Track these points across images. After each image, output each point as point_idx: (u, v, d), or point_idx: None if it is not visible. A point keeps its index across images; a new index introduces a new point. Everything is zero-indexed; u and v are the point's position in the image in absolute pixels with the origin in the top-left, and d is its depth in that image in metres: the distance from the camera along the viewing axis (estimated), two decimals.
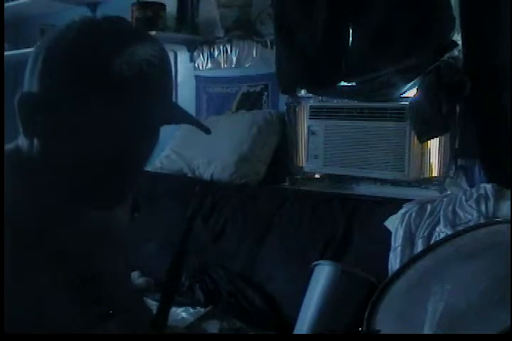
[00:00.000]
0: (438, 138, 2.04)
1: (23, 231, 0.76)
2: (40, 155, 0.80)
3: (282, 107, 2.57)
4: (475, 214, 1.67)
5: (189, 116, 0.84)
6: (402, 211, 1.82)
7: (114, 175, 0.81)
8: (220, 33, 2.79)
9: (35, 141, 0.80)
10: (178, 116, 0.82)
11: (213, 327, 1.85)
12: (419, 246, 1.68)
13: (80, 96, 0.75)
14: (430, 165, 2.12)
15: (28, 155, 0.81)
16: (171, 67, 0.82)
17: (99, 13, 3.19)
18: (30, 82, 0.80)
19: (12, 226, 0.75)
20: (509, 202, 1.66)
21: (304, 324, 1.59)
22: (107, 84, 0.74)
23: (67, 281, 0.82)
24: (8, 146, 0.85)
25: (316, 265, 1.73)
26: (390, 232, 1.80)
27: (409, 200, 1.88)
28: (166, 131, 0.87)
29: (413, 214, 1.78)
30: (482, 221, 1.60)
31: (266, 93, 2.67)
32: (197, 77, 2.96)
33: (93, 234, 0.88)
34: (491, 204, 1.69)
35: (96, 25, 0.79)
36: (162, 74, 0.79)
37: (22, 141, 0.83)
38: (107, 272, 0.92)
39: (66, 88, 0.76)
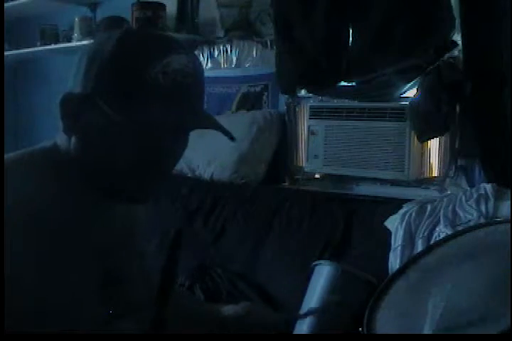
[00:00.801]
0: (438, 138, 2.04)
1: (55, 226, 0.80)
2: (77, 152, 0.85)
3: (282, 107, 2.57)
4: (475, 214, 1.66)
5: (216, 123, 0.89)
6: (402, 211, 1.82)
7: (144, 173, 0.86)
8: (220, 33, 2.79)
9: (73, 139, 0.85)
10: (206, 121, 0.88)
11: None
12: (419, 246, 1.68)
13: (119, 99, 0.81)
14: (430, 165, 2.12)
15: (65, 152, 0.86)
16: (203, 76, 0.88)
17: (99, 13, 3.18)
18: (73, 84, 0.85)
19: (45, 221, 0.79)
20: (509, 202, 1.65)
21: (303, 324, 1.58)
22: (143, 91, 0.80)
23: (91, 277, 0.84)
24: (47, 143, 0.90)
25: (316, 265, 1.73)
26: (390, 232, 1.80)
27: (409, 200, 1.88)
28: None
29: (413, 214, 1.77)
30: (482, 221, 1.60)
31: (266, 93, 2.67)
32: None
33: (116, 232, 0.92)
34: (491, 204, 1.69)
35: (136, 36, 0.86)
36: (195, 83, 0.84)
37: (60, 139, 0.88)
38: (129, 270, 0.95)
39: (106, 91, 0.81)
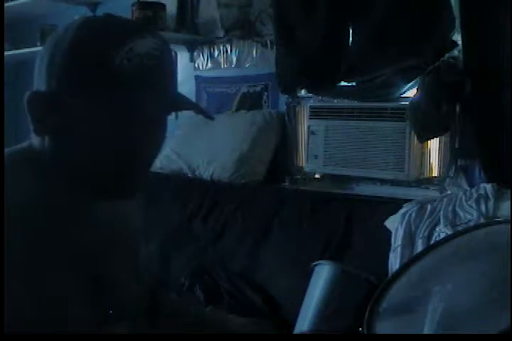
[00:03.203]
0: (438, 138, 2.04)
1: (34, 227, 0.77)
2: (52, 151, 0.82)
3: (282, 107, 2.57)
4: (475, 214, 1.66)
5: (192, 103, 0.86)
6: (402, 211, 1.82)
7: (124, 166, 0.82)
8: (220, 33, 2.79)
9: (46, 138, 0.82)
10: (182, 103, 0.84)
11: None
12: (419, 246, 1.68)
13: (85, 92, 0.77)
14: (430, 165, 2.12)
15: (40, 152, 0.83)
16: (172, 58, 0.84)
17: (99, 13, 3.18)
18: (38, 82, 0.82)
19: (24, 223, 0.76)
20: (509, 202, 1.65)
21: (304, 324, 1.58)
22: (110, 79, 0.76)
23: (78, 280, 0.82)
24: (22, 144, 0.87)
25: (316, 265, 1.73)
26: (390, 232, 1.80)
27: (409, 200, 1.88)
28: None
29: (413, 214, 1.77)
30: (482, 221, 1.60)
31: (266, 93, 2.67)
32: (197, 77, 2.96)
33: (103, 232, 0.89)
34: (491, 204, 1.69)
35: (95, 22, 0.81)
36: (164, 66, 0.81)
37: (34, 139, 0.85)
38: (118, 271, 0.92)
39: (71, 86, 0.78)
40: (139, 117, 0.79)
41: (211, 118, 0.85)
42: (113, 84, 0.76)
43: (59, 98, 0.78)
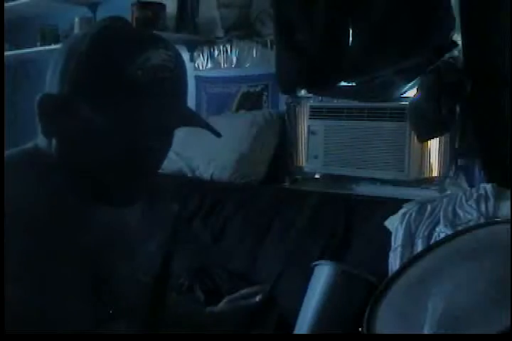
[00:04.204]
0: (438, 138, 2.04)
1: (35, 228, 0.78)
2: (58, 154, 0.83)
3: (282, 107, 2.57)
4: (475, 214, 1.66)
5: (201, 120, 0.87)
6: (402, 211, 1.82)
7: (129, 175, 0.83)
8: (220, 33, 2.79)
9: (54, 141, 0.83)
10: (190, 118, 0.85)
11: None
12: (419, 246, 1.68)
13: (97, 99, 0.78)
14: (430, 165, 2.12)
15: (47, 154, 0.84)
16: (185, 71, 0.85)
17: (99, 13, 3.19)
18: (50, 85, 0.83)
19: (25, 223, 0.77)
20: (509, 202, 1.65)
21: (304, 324, 1.58)
22: (123, 89, 0.77)
23: (78, 280, 0.83)
24: (28, 145, 0.88)
25: (316, 265, 1.73)
26: (390, 232, 1.80)
27: (409, 200, 1.88)
28: None
29: (413, 214, 1.77)
30: (482, 221, 1.60)
31: (266, 93, 2.67)
32: (197, 77, 2.96)
33: (105, 233, 0.90)
34: (491, 204, 1.68)
35: (112, 31, 0.82)
36: (177, 79, 0.82)
37: (41, 140, 0.86)
38: (119, 271, 0.93)
39: (83, 91, 0.79)
40: (146, 126, 0.79)
41: (218, 135, 0.86)
42: (124, 93, 0.77)
43: (70, 102, 0.79)
